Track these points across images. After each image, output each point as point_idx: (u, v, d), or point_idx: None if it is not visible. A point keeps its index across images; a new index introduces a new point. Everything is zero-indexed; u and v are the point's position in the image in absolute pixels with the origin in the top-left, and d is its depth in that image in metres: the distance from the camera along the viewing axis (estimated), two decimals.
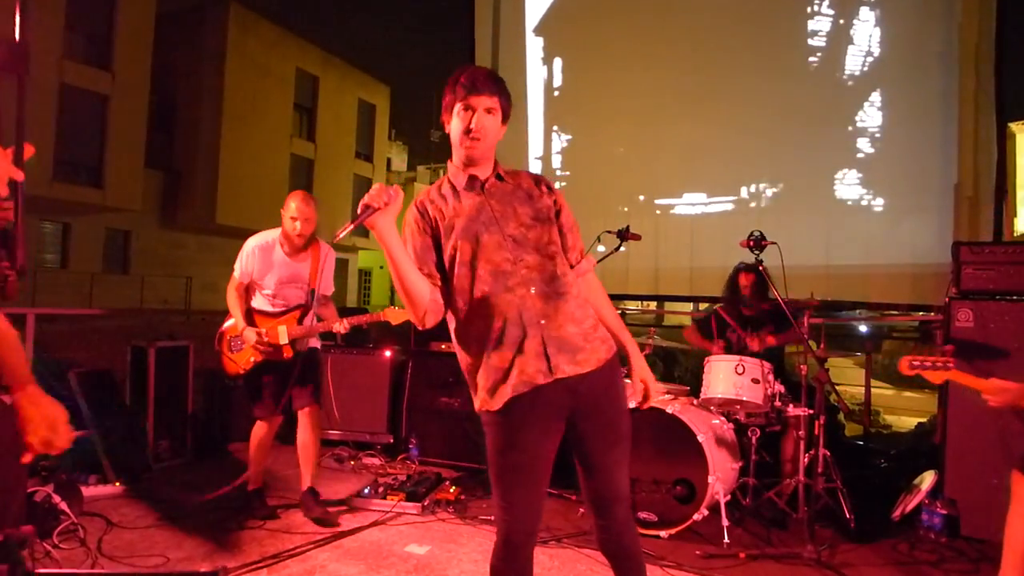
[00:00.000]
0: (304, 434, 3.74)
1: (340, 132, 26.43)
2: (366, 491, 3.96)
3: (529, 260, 1.99)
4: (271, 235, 3.73)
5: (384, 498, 3.86)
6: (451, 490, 3.98)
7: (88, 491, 3.78)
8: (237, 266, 3.70)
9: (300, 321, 3.69)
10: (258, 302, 3.73)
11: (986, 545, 3.43)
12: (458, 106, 1.97)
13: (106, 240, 20.12)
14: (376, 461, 4.87)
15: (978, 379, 2.58)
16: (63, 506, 3.22)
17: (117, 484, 4.04)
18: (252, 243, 3.71)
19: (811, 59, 5.21)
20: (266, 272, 3.67)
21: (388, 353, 5.25)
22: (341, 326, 3.65)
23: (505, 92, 2.01)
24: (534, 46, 6.42)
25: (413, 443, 4.80)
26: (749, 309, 4.41)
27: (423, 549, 3.33)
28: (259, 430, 3.75)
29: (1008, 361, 3.51)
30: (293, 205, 3.62)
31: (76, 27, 17.55)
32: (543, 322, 1.95)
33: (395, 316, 3.65)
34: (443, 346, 4.97)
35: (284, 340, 3.63)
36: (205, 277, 22.13)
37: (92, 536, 3.25)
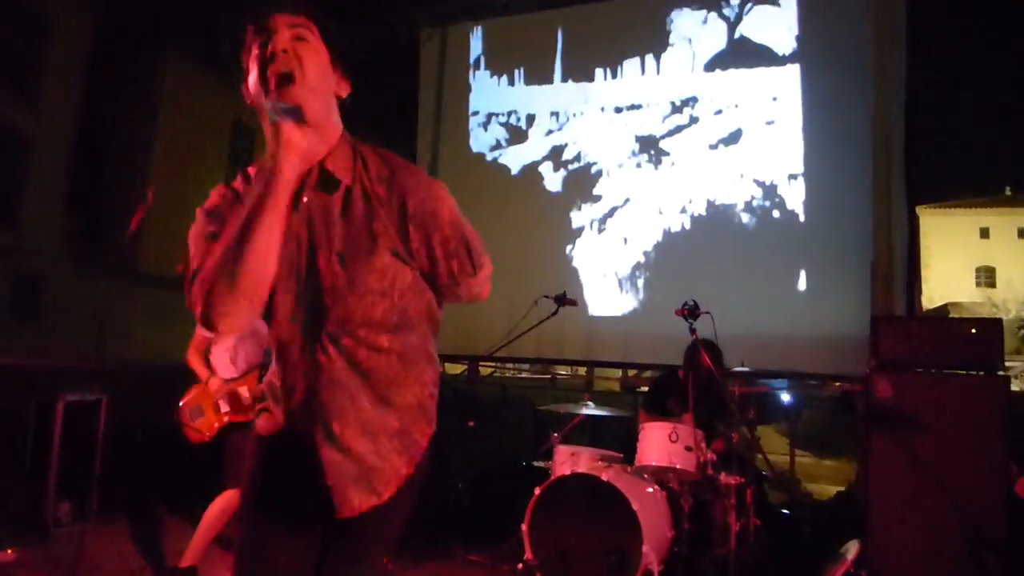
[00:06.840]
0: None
1: None
2: None
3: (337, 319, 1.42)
4: None
5: None
6: None
7: None
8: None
9: (260, 380, 3.62)
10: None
11: None
12: None
13: (15, 284, 18.95)
14: None
15: None
16: None
17: (9, 552, 3.71)
18: None
19: (745, 150, 5.51)
20: None
21: None
22: None
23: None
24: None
25: None
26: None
27: None
28: (224, 501, 3.47)
29: (926, 430, 3.67)
30: None
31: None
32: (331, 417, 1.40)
33: None
34: None
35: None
36: (124, 327, 21.03)
37: None
